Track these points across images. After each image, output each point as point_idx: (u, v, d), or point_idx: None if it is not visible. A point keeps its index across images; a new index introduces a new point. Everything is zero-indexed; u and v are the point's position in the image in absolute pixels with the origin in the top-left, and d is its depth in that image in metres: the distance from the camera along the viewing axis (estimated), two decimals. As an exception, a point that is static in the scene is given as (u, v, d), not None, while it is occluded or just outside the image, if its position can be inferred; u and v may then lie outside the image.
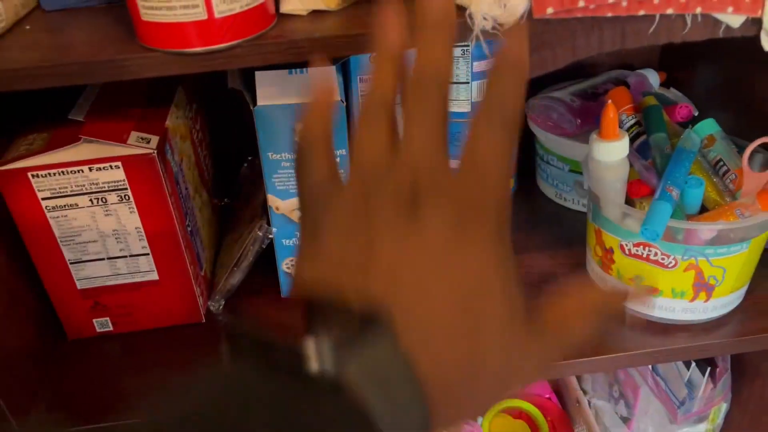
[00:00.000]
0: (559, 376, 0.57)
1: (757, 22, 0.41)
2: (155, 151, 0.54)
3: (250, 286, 0.68)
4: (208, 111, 0.76)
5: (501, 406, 0.85)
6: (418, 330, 0.23)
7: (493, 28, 0.39)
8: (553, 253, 0.69)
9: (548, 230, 0.74)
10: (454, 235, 0.24)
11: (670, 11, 0.39)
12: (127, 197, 0.56)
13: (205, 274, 0.66)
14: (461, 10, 0.39)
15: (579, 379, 0.84)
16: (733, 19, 0.40)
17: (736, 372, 0.69)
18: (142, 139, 0.55)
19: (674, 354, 0.58)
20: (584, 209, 0.69)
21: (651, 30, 0.40)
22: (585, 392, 0.83)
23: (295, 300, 0.26)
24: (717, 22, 0.41)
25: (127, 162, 0.54)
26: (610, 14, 0.39)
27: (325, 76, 0.29)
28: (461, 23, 0.39)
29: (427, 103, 0.26)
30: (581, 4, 0.38)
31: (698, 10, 0.40)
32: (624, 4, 0.39)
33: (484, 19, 0.39)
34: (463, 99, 0.69)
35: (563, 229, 0.73)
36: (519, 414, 0.86)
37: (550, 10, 0.38)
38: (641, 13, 0.39)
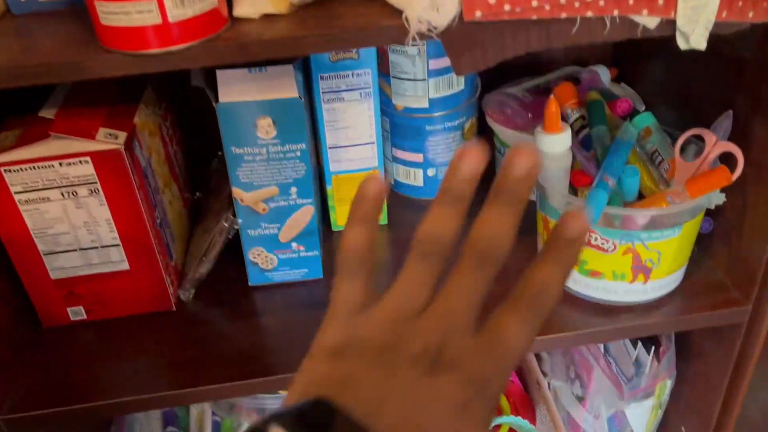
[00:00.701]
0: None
1: (672, 23, 0.44)
2: (123, 147, 0.57)
3: (218, 275, 0.71)
4: (179, 108, 0.78)
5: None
6: None
7: (428, 30, 0.42)
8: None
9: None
10: (461, 406, 0.26)
11: (589, 14, 0.43)
12: (96, 191, 0.58)
13: (175, 264, 0.69)
14: (398, 13, 0.43)
15: (539, 362, 0.88)
16: (649, 21, 0.44)
17: (681, 351, 0.73)
18: (110, 135, 0.58)
19: (618, 333, 0.62)
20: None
21: (574, 31, 0.44)
22: (545, 374, 0.87)
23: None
24: (634, 24, 0.44)
25: (96, 157, 0.57)
26: (534, 17, 0.43)
27: (374, 188, 0.30)
28: (399, 26, 0.43)
29: (476, 275, 0.28)
30: (507, 8, 0.42)
31: (615, 12, 0.43)
32: (547, 8, 0.42)
33: (419, 22, 0.42)
34: (420, 95, 0.72)
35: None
36: (483, 396, 0.90)
37: (478, 14, 0.42)
38: (563, 16, 0.43)
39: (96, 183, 0.58)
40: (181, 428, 0.84)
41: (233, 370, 0.60)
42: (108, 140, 0.57)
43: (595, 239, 0.59)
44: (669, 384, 0.72)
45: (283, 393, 0.82)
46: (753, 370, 0.65)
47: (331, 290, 0.30)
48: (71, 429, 0.80)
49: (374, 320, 0.28)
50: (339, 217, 0.76)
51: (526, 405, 0.89)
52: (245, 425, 0.85)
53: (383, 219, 0.77)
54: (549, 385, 0.85)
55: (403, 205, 0.81)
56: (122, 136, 0.58)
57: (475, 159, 0.28)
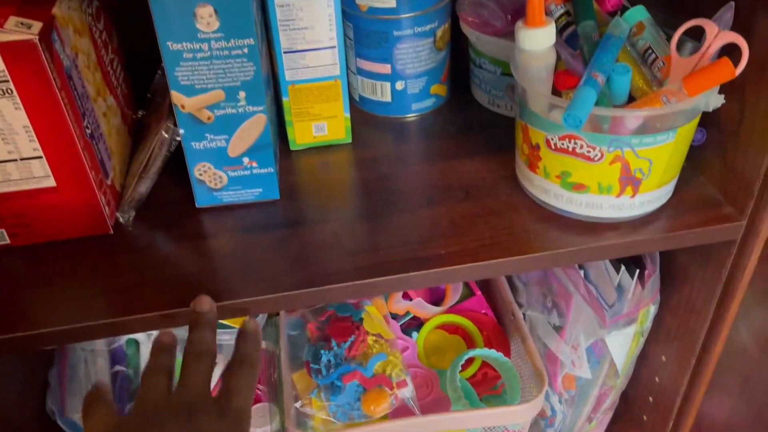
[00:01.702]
0: (489, 275, 0.56)
1: None
2: (37, 38, 0.48)
3: (162, 197, 0.64)
4: (121, 22, 0.70)
5: (436, 322, 0.84)
6: None
7: None
8: (484, 160, 0.67)
9: (480, 137, 0.71)
10: (215, 427, 0.44)
11: None
12: (9, 91, 0.50)
13: (112, 184, 0.61)
14: None
15: (514, 292, 0.83)
16: None
17: (666, 276, 0.69)
18: (22, 24, 0.49)
19: (601, 252, 0.57)
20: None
21: None
22: (520, 305, 0.82)
23: None
24: None
25: (5, 49, 0.48)
26: None
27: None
28: None
29: (198, 364, 0.47)
30: None
31: None
32: None
33: None
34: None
35: (495, 137, 0.70)
36: (455, 329, 0.85)
37: None
38: None
39: (8, 81, 0.50)
40: (131, 368, 0.78)
41: (178, 297, 0.54)
42: (20, 29, 0.49)
43: (581, 147, 0.53)
44: (653, 310, 0.68)
45: (235, 326, 0.76)
46: (745, 291, 0.61)
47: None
48: (3, 369, 0.74)
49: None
50: (298, 134, 0.69)
51: (500, 338, 0.84)
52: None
53: (348, 138, 0.70)
54: (524, 316, 0.81)
55: (368, 123, 0.74)
56: (37, 25, 0.49)
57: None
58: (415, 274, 0.55)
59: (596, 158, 0.53)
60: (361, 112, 0.76)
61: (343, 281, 0.54)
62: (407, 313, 0.85)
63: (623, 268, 0.66)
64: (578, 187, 0.56)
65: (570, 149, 0.54)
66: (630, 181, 0.54)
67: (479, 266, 0.56)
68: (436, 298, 0.88)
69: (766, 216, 0.56)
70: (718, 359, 0.67)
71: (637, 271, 0.65)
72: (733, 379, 0.66)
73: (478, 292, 0.88)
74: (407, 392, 0.71)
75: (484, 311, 0.87)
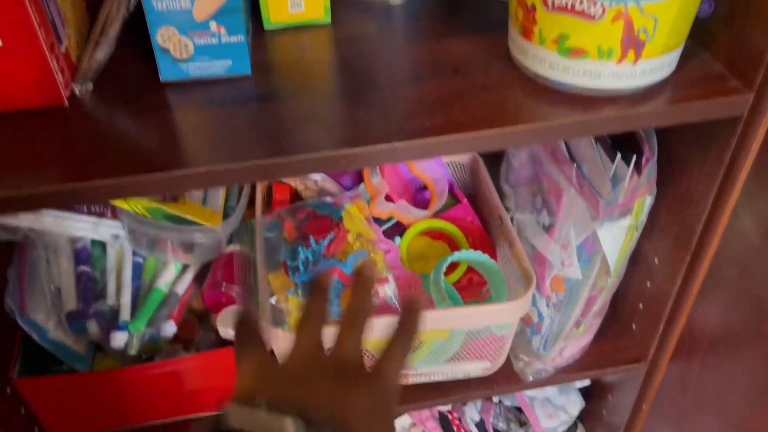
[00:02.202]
0: (478, 147, 0.51)
1: None
2: None
3: (123, 69, 0.59)
4: None
5: (420, 227, 0.81)
6: None
7: None
8: (475, 39, 0.62)
9: (472, 18, 0.66)
10: (367, 396, 0.40)
11: None
12: None
13: (67, 53, 0.56)
14: None
15: (502, 198, 0.80)
16: None
17: (663, 169, 0.65)
18: None
19: (598, 125, 0.53)
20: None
21: None
22: (508, 210, 0.78)
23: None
24: None
25: None
26: None
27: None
28: None
29: (355, 328, 0.43)
30: None
31: None
32: None
33: None
34: None
35: (487, 17, 0.65)
36: (439, 235, 0.82)
37: None
38: None
39: None
40: (97, 269, 0.74)
41: (138, 165, 0.49)
42: None
43: (581, 3, 0.48)
44: (649, 201, 0.65)
45: (206, 223, 0.72)
46: (749, 172, 0.57)
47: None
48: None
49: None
50: (272, 11, 0.64)
51: (487, 244, 0.81)
52: (173, 265, 0.76)
53: (327, 18, 0.65)
54: (512, 220, 0.77)
55: (349, 6, 0.69)
56: None
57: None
58: (399, 145, 0.51)
59: (597, 15, 0.48)
60: (341, -6, 0.70)
61: (320, 150, 0.50)
62: (390, 218, 0.81)
63: (619, 156, 0.62)
64: (576, 53, 0.51)
65: (568, 7, 0.49)
66: (633, 44, 0.50)
67: (468, 138, 0.51)
68: (420, 207, 0.84)
69: (775, 88, 0.53)
70: (714, 253, 0.64)
71: (634, 157, 0.61)
72: (730, 270, 0.63)
73: (464, 200, 0.85)
74: (389, 290, 0.67)
75: (470, 219, 0.84)
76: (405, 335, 0.44)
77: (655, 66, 0.52)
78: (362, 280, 0.45)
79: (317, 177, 0.79)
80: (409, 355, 0.44)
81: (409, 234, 0.80)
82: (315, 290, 0.45)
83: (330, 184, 0.80)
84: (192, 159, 0.50)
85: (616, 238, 0.66)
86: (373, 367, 0.42)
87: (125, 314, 0.71)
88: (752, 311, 0.60)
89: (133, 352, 0.71)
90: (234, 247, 0.77)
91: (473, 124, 0.52)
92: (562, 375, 0.80)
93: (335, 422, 0.37)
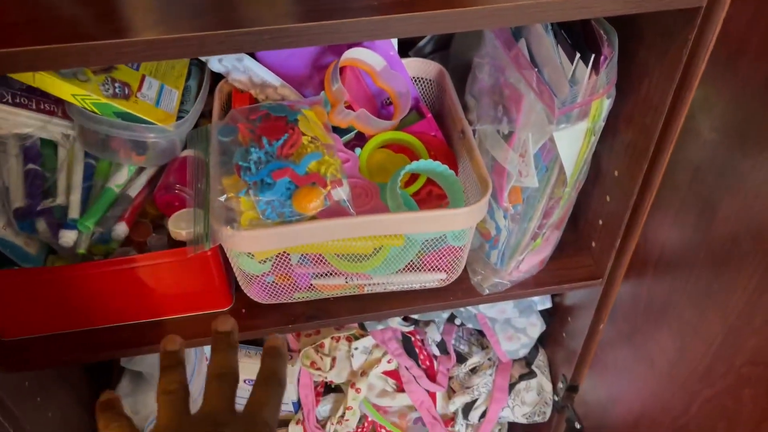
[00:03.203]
0: (426, 30, 0.50)
1: None
2: None
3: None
4: None
5: (380, 139, 0.79)
6: None
7: None
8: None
9: None
10: None
11: None
12: None
13: None
14: None
15: (466, 111, 0.78)
16: None
17: (624, 72, 0.64)
18: None
19: (553, 9, 0.51)
20: None
21: None
22: (471, 123, 0.77)
23: None
24: None
25: None
26: None
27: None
28: None
29: (222, 385, 0.45)
30: None
31: None
32: None
33: None
34: None
35: None
36: (401, 149, 0.80)
37: None
38: None
39: None
40: (47, 170, 0.72)
41: (69, 33, 0.47)
42: None
43: None
44: (607, 103, 0.63)
45: (160, 125, 0.70)
46: (704, 70, 0.56)
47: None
48: None
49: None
50: None
51: (449, 157, 0.80)
52: (126, 168, 0.74)
53: None
54: (475, 133, 0.76)
55: None
56: None
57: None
58: (345, 22, 0.49)
59: None
60: None
61: (261, 26, 0.48)
62: (350, 128, 0.80)
63: (578, 55, 0.61)
64: (531, -69, 0.49)
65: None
66: None
67: (416, 17, 0.50)
68: (382, 119, 0.82)
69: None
70: (668, 159, 0.64)
71: (593, 56, 0.60)
72: (682, 175, 0.62)
73: (429, 115, 0.83)
74: (342, 192, 0.66)
75: (433, 133, 0.82)
76: (270, 380, 0.46)
77: (612, -52, 0.50)
78: (226, 340, 0.47)
79: (275, 83, 0.77)
80: (281, 394, 0.46)
81: (370, 145, 0.79)
82: (166, 361, 0.46)
83: (289, 92, 0.79)
84: (130, 30, 0.48)
85: (573, 143, 0.65)
86: (247, 407, 0.44)
87: (74, 212, 0.70)
88: (701, 213, 0.60)
89: (81, 250, 0.70)
90: (188, 152, 0.75)
91: (423, 3, 0.50)
92: (518, 290, 0.80)
93: None
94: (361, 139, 0.82)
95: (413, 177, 0.78)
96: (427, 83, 0.87)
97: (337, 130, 0.79)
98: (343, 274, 0.74)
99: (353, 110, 0.79)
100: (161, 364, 0.46)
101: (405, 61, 0.84)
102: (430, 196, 0.78)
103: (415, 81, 0.87)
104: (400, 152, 0.81)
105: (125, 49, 0.47)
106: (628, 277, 0.76)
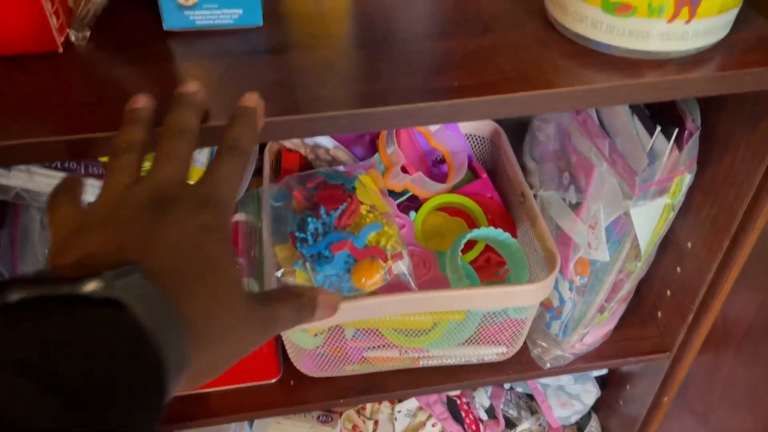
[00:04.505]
0: (511, 112, 0.47)
1: None
2: None
3: (123, 12, 0.55)
4: None
5: (436, 202, 0.76)
6: (168, 271, 0.32)
7: None
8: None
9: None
10: (192, 218, 0.34)
11: None
12: None
13: (63, -5, 0.51)
14: None
15: (525, 174, 0.75)
16: None
17: (704, 145, 0.60)
18: None
19: (643, 90, 0.48)
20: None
21: None
22: (531, 186, 0.74)
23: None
24: None
25: None
26: None
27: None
28: None
29: (176, 144, 0.38)
30: None
31: None
32: None
33: None
34: None
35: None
36: (457, 212, 0.77)
37: None
38: None
39: None
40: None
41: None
42: None
43: (633, -50, 0.43)
44: (688, 179, 0.60)
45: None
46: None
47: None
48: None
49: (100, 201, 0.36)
50: (287, -41, 0.59)
51: (507, 222, 0.76)
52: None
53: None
54: (536, 197, 0.72)
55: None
56: None
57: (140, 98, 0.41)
58: (424, 106, 0.46)
59: (650, -34, 0.43)
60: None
61: (337, 109, 0.45)
62: (405, 192, 0.77)
63: (659, 129, 0.57)
64: (623, 9, 0.46)
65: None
66: (687, 0, 0.45)
67: (499, 100, 0.46)
68: (437, 181, 0.79)
69: (840, 56, 0.48)
70: (756, 239, 0.60)
71: (676, 130, 0.56)
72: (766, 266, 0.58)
73: (484, 175, 0.80)
74: (403, 266, 0.63)
75: (489, 195, 0.79)
76: (233, 150, 0.38)
77: (709, 27, 0.47)
78: (188, 99, 0.40)
79: (328, 145, 0.75)
80: (242, 164, 0.38)
81: (425, 209, 0.76)
82: (129, 117, 0.39)
83: (342, 153, 0.76)
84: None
85: (649, 219, 0.62)
86: (201, 180, 0.37)
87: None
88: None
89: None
90: (239, 217, 0.72)
91: (505, 86, 0.47)
92: (581, 363, 0.76)
93: (147, 261, 0.31)
94: (413, 200, 0.79)
95: (471, 243, 0.74)
96: (481, 141, 0.84)
97: (391, 193, 0.76)
98: (398, 347, 0.71)
99: (408, 173, 0.76)
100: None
101: (459, 119, 0.81)
102: (489, 264, 0.74)
103: (469, 138, 0.84)
104: (456, 215, 0.77)
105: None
106: (705, 352, 0.72)
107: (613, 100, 0.49)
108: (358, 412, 0.99)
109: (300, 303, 0.38)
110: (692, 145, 0.58)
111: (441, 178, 0.81)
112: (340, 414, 0.98)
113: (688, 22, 0.46)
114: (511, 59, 0.49)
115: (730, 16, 0.48)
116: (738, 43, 0.50)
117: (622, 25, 0.47)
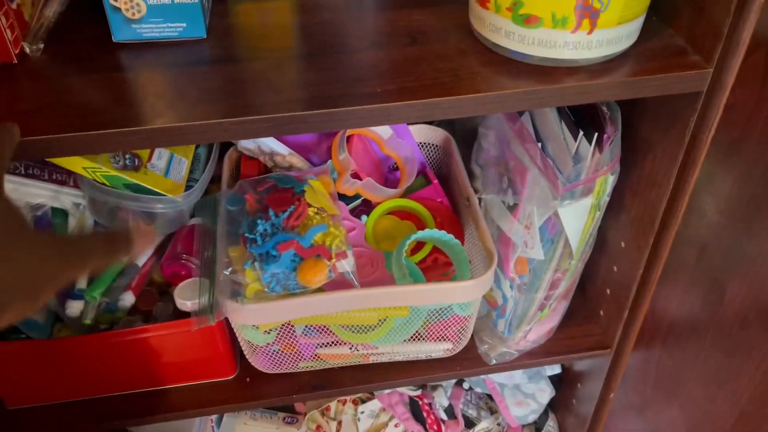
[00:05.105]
0: (429, 116, 0.51)
1: None
2: None
3: (75, 30, 0.58)
4: None
5: (387, 206, 0.80)
6: None
7: None
8: (436, 9, 0.61)
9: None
10: None
11: None
12: None
13: (19, 10, 0.55)
14: None
15: (472, 179, 0.79)
16: None
17: (628, 146, 0.64)
18: None
19: (553, 95, 0.52)
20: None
21: None
22: (476, 191, 0.77)
23: None
24: None
25: None
26: None
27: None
28: None
29: None
30: None
31: None
32: None
33: None
34: None
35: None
36: (407, 215, 0.81)
37: None
38: None
39: None
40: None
41: (79, 121, 0.48)
42: None
43: (533, -33, 0.47)
44: (611, 180, 0.63)
45: (168, 194, 0.71)
46: (708, 150, 0.56)
47: None
48: None
49: None
50: (234, -23, 0.63)
51: (454, 225, 0.80)
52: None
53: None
54: (480, 201, 0.76)
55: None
56: None
57: None
58: (348, 110, 0.50)
59: (550, -19, 0.47)
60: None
61: (267, 113, 0.49)
62: (357, 196, 0.80)
63: (581, 133, 0.61)
64: (530, 20, 0.50)
65: None
66: (587, 12, 0.49)
67: (418, 104, 0.50)
68: (391, 187, 0.83)
69: (732, 63, 0.52)
70: (675, 234, 0.63)
71: (596, 134, 0.60)
72: (689, 252, 0.62)
73: (435, 181, 0.84)
74: (347, 264, 0.66)
75: (440, 200, 0.83)
76: None
77: (611, 37, 0.51)
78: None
79: (283, 152, 0.78)
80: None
81: (376, 212, 0.79)
82: None
83: (297, 160, 0.79)
84: (140, 117, 0.49)
85: (577, 218, 0.65)
86: None
87: (82, 282, 0.70)
88: (709, 292, 0.59)
89: (87, 321, 0.70)
90: (195, 221, 0.76)
91: (424, 91, 0.51)
92: (526, 359, 0.79)
93: None
94: (367, 205, 0.82)
95: (419, 244, 0.78)
96: (434, 149, 0.88)
97: (344, 198, 0.79)
98: (348, 344, 0.74)
99: (360, 179, 0.79)
100: None
101: (412, 127, 0.85)
102: (436, 264, 0.78)
103: (422, 146, 0.87)
104: (407, 219, 0.81)
105: (134, 137, 0.48)
106: (638, 348, 0.75)
107: (524, 104, 0.52)
108: (322, 414, 1.02)
109: (113, 237, 0.45)
110: (612, 147, 0.61)
111: (395, 183, 0.85)
112: (305, 415, 1.01)
113: (590, 32, 0.50)
114: (432, 68, 0.53)
115: (633, 26, 0.52)
116: (644, 52, 0.54)
117: (532, 35, 0.51)
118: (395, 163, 0.87)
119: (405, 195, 0.82)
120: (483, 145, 0.77)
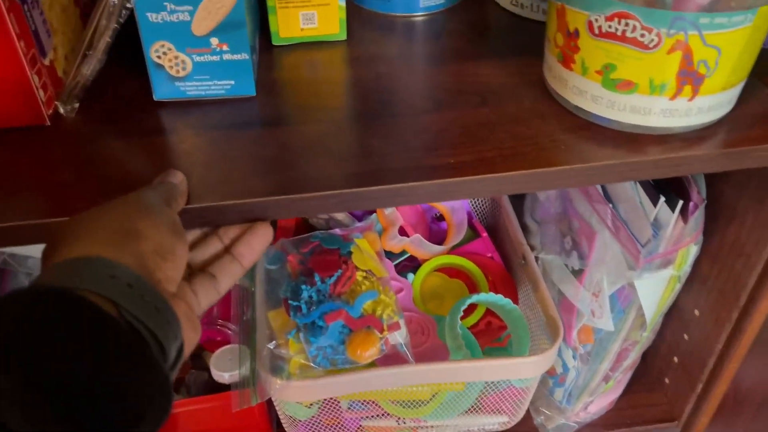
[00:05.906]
0: (508, 190, 0.46)
1: None
2: None
3: (113, 87, 0.53)
4: None
5: (435, 263, 0.74)
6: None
7: None
8: (505, 64, 0.56)
9: (500, 40, 0.60)
10: None
11: None
12: None
13: (52, 66, 0.50)
14: None
15: (526, 234, 0.73)
16: None
17: (710, 214, 0.59)
18: None
19: (646, 168, 0.46)
20: (543, 18, 0.56)
21: None
22: (533, 248, 0.72)
23: None
24: None
25: None
26: None
27: None
28: None
29: None
30: None
31: None
32: None
33: None
34: None
35: (517, 40, 0.59)
36: (456, 273, 0.75)
37: None
38: None
39: None
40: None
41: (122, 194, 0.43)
42: None
43: (633, 29, 0.42)
44: (694, 250, 0.58)
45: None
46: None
47: None
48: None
49: None
50: (282, 25, 0.58)
51: (508, 284, 0.74)
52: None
53: (342, 34, 0.59)
54: (537, 260, 0.70)
55: (367, 22, 0.63)
56: None
57: None
58: (418, 185, 0.44)
59: (652, 45, 0.42)
60: (359, 10, 0.64)
61: (329, 189, 0.44)
62: (403, 252, 0.75)
63: (662, 199, 0.56)
64: (624, 85, 0.45)
65: (619, 33, 0.43)
66: (690, 78, 0.43)
67: (497, 178, 0.45)
68: (436, 238, 0.77)
69: None
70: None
71: (680, 202, 0.54)
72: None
73: (484, 234, 0.78)
74: (400, 336, 0.61)
75: (490, 255, 0.77)
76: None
77: (713, 104, 0.46)
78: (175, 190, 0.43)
79: (326, 205, 0.73)
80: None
81: (424, 270, 0.74)
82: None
83: (339, 213, 0.74)
84: (188, 194, 0.44)
85: (655, 291, 0.60)
86: None
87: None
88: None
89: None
90: (233, 280, 0.71)
91: (503, 163, 0.45)
92: (586, 432, 0.73)
93: None
94: (412, 259, 0.77)
95: (471, 306, 0.72)
96: (481, 198, 0.83)
97: (389, 254, 0.74)
98: (395, 417, 0.68)
99: (407, 233, 0.74)
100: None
101: (459, 176, 0.80)
102: (490, 328, 0.72)
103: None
104: (455, 277, 0.75)
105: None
106: (716, 423, 0.69)
107: (613, 177, 0.47)
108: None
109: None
110: (698, 217, 0.56)
111: (440, 235, 0.79)
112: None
113: (691, 99, 0.45)
114: (509, 135, 0.48)
115: (736, 91, 0.47)
116: (743, 117, 0.49)
117: (623, 101, 0.46)
118: (439, 213, 0.81)
119: (452, 249, 0.77)
120: (540, 198, 0.72)
